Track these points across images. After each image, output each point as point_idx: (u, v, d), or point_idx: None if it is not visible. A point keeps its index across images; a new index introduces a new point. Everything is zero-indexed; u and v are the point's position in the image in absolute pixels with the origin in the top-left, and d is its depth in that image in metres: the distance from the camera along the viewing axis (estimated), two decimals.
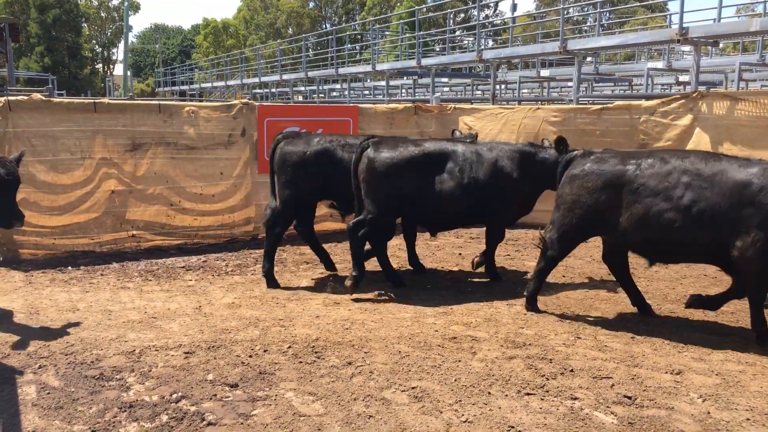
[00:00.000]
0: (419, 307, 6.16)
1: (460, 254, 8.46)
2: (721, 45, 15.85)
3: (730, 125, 8.99)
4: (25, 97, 7.87)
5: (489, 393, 4.26)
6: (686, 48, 18.18)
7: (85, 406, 4.03)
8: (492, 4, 54.37)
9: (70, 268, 7.45)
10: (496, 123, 10.31)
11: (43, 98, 7.95)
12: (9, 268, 7.36)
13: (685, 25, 11.53)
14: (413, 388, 4.31)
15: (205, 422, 3.84)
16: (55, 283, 6.90)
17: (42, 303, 6.14)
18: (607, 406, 4.09)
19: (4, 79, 20.54)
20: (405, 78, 25.83)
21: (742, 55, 19.31)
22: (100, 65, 63.49)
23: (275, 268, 7.60)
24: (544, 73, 21.03)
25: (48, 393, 4.19)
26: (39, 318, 5.70)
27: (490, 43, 27.66)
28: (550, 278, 7.27)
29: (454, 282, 7.10)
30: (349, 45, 28.94)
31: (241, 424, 3.83)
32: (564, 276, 7.38)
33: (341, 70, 24.43)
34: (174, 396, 4.15)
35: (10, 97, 7.89)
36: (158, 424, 3.81)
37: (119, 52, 63.48)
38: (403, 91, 27.44)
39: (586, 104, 12.41)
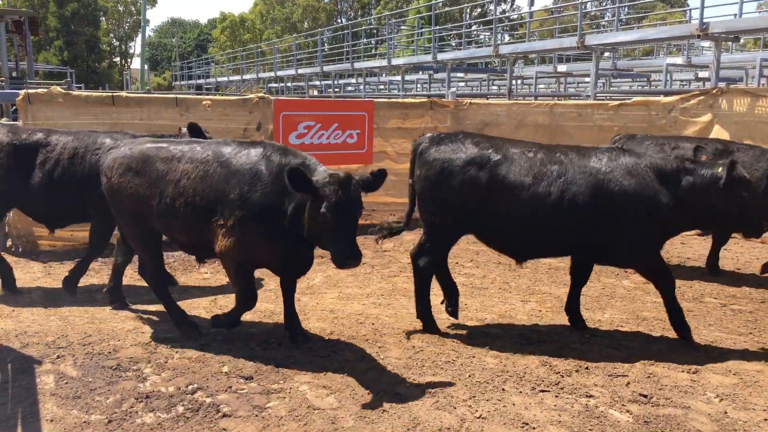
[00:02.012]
0: (433, 302, 6.15)
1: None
2: (741, 41, 15.59)
3: (751, 122, 8.88)
4: (45, 90, 7.96)
5: (503, 389, 4.25)
6: (706, 43, 17.95)
7: (103, 396, 4.07)
8: None
9: None
10: (512, 119, 10.24)
11: (62, 91, 8.02)
12: (28, 259, 7.46)
13: (705, 20, 11.39)
14: (427, 383, 4.31)
15: (220, 414, 3.87)
16: None
17: (60, 294, 6.21)
18: (623, 405, 4.06)
19: (24, 72, 20.77)
20: (421, 73, 25.78)
21: (764, 51, 19.00)
22: (118, 59, 63.97)
23: None
24: (561, 68, 20.84)
25: (66, 383, 4.25)
26: (57, 309, 5.77)
27: (507, 37, 27.46)
28: (566, 277, 7.23)
29: (468, 278, 7.09)
30: (364, 39, 28.95)
31: (256, 416, 3.86)
32: None
33: (357, 65, 24.41)
34: (190, 387, 4.19)
35: (30, 90, 7.97)
36: (174, 415, 3.84)
37: (136, 46, 63.96)
38: (419, 86, 27.36)
39: (603, 100, 12.30)
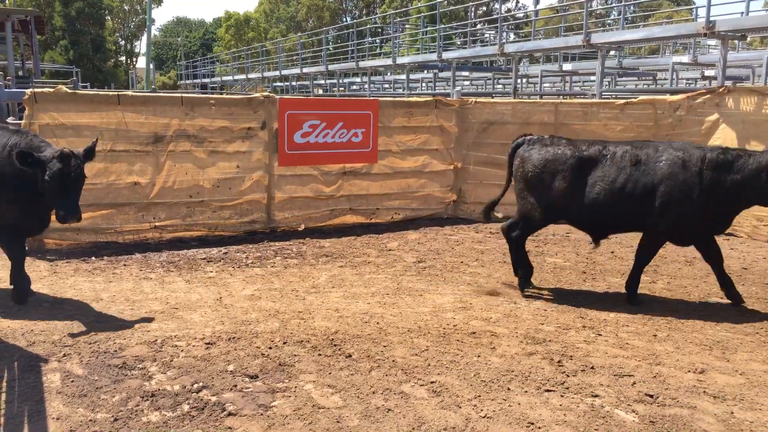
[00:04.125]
0: (438, 301, 6.15)
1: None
2: (748, 39, 15.50)
3: (758, 121, 8.83)
4: (51, 89, 7.98)
5: (508, 389, 4.24)
6: (712, 42, 17.89)
7: (108, 394, 4.09)
8: None
9: (93, 258, 7.56)
10: (518, 117, 10.22)
11: (68, 90, 8.05)
12: (34, 258, 7.48)
13: (711, 19, 11.33)
14: (432, 382, 4.31)
15: (225, 412, 3.87)
16: (79, 272, 7.00)
17: (66, 292, 6.24)
18: (629, 404, 4.05)
19: (30, 71, 20.85)
20: (426, 72, 25.72)
21: None
22: (123, 58, 64.17)
23: (294, 261, 7.64)
24: (567, 66, 20.76)
25: (72, 381, 4.26)
26: (64, 307, 5.79)
27: (512, 36, 27.42)
28: (572, 276, 7.22)
29: (473, 276, 7.08)
30: (369, 38, 28.89)
31: (261, 415, 3.86)
32: (585, 272, 7.31)
33: (362, 64, 24.40)
34: (195, 386, 4.20)
35: (36, 89, 8.00)
36: (179, 414, 3.85)
37: (142, 45, 64.36)
38: (424, 84, 27.34)
39: (609, 99, 12.25)
